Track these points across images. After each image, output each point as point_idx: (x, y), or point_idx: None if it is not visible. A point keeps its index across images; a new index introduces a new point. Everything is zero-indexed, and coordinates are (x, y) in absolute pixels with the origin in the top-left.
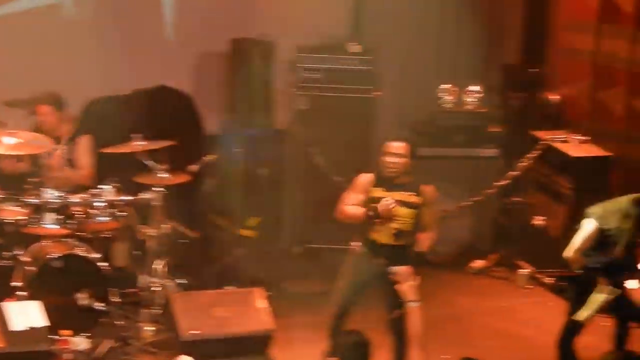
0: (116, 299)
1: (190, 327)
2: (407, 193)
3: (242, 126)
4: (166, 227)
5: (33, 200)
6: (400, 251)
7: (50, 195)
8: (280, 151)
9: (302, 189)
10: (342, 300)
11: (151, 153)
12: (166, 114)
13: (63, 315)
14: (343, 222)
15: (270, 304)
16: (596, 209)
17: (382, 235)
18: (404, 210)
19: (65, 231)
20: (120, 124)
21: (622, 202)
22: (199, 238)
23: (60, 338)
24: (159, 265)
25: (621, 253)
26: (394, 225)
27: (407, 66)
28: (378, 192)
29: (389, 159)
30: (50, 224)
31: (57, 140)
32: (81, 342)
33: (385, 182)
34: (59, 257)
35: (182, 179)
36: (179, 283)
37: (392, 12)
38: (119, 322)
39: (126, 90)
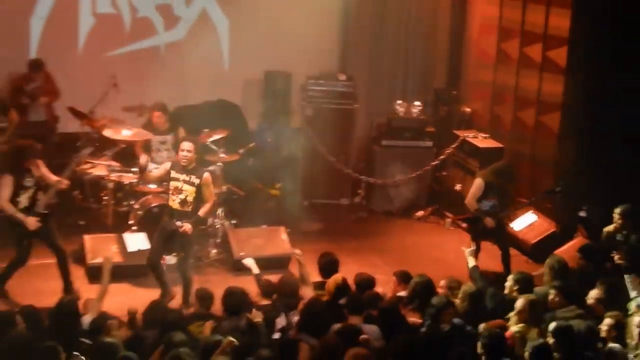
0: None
1: (240, 250)
2: (191, 176)
3: (271, 126)
4: (224, 188)
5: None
6: (186, 214)
7: (152, 166)
8: (295, 141)
9: (308, 164)
10: (153, 249)
11: (215, 142)
12: (224, 117)
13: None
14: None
15: (289, 237)
16: (482, 170)
17: (174, 204)
18: (187, 187)
19: (161, 189)
20: (194, 123)
21: (498, 164)
22: (245, 195)
23: None
24: (220, 211)
25: (499, 198)
26: (181, 196)
27: (374, 88)
28: (174, 173)
29: (181, 153)
30: (152, 185)
31: (161, 132)
32: (171, 259)
33: (180, 168)
34: (157, 205)
35: (233, 158)
36: (232, 223)
37: (364, 53)
38: (195, 247)
39: (198, 101)
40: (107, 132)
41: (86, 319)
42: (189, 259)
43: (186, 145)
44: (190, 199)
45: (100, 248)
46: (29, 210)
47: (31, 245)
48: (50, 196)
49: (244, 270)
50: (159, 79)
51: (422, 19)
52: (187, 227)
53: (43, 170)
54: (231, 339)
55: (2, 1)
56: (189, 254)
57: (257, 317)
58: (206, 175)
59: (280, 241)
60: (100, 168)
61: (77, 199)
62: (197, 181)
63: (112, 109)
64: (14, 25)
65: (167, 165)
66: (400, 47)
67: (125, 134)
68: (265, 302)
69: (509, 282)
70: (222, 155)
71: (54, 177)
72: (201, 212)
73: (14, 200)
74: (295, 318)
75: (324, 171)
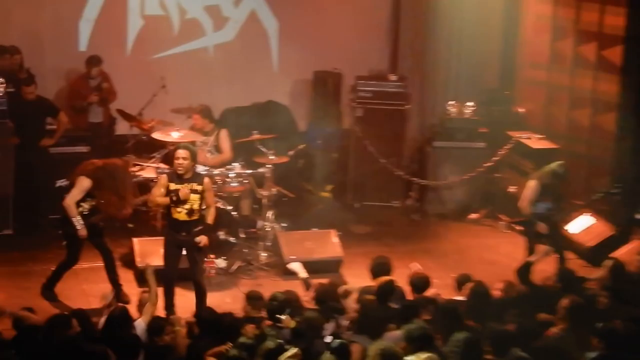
0: (243, 235)
1: (290, 253)
2: (193, 183)
3: (321, 126)
4: (274, 190)
5: None
6: (194, 224)
7: (200, 168)
8: (345, 142)
9: (359, 166)
10: (167, 270)
11: (264, 143)
12: (273, 118)
13: (209, 245)
14: (155, 208)
15: (340, 240)
16: (536, 172)
17: (181, 215)
18: (192, 196)
19: None
20: (244, 124)
21: (552, 165)
22: (295, 197)
23: (207, 260)
24: (270, 214)
25: (554, 200)
26: (187, 206)
27: (426, 89)
28: (173, 185)
29: (177, 162)
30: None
31: (206, 134)
32: (221, 262)
33: (178, 177)
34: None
35: (283, 160)
36: (283, 226)
37: (416, 53)
38: (244, 250)
39: (247, 102)
40: (156, 134)
41: (139, 324)
42: (203, 267)
43: (181, 153)
44: (196, 207)
45: (149, 251)
46: (85, 217)
47: (81, 247)
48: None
49: (295, 273)
50: (208, 81)
51: (474, 18)
52: (205, 240)
53: None
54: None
55: (51, 4)
56: (203, 263)
57: (289, 323)
58: (207, 180)
59: (331, 244)
60: (148, 170)
61: None
62: (199, 188)
63: (160, 111)
64: (63, 28)
65: (163, 179)
66: (453, 47)
67: (175, 135)
68: (313, 305)
69: (554, 279)
70: (271, 157)
71: None
72: (210, 220)
73: (77, 204)
74: (345, 322)
75: (375, 173)
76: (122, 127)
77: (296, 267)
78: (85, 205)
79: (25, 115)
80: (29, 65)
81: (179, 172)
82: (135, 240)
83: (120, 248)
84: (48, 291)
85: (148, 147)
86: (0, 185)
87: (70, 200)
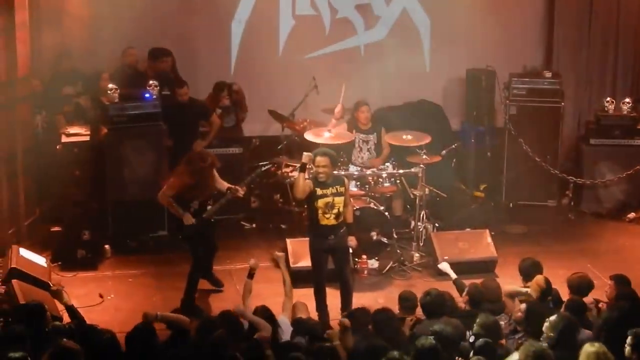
0: (395, 236)
1: (443, 254)
2: (336, 187)
3: (474, 125)
4: (426, 190)
5: (342, 173)
6: (341, 226)
7: (353, 169)
8: (499, 141)
9: (513, 165)
10: (318, 276)
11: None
12: (425, 117)
13: (362, 246)
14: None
15: (494, 240)
16: None
17: (329, 220)
18: (338, 199)
19: (362, 192)
20: (395, 124)
21: None
22: (447, 197)
23: (360, 260)
24: (422, 214)
25: None
26: (334, 210)
27: (582, 85)
28: (319, 191)
29: (317, 169)
30: (353, 187)
31: (365, 132)
32: (373, 263)
33: (321, 184)
34: (359, 208)
35: (436, 159)
36: (435, 226)
37: (571, 48)
38: (397, 251)
39: (399, 102)
40: (308, 135)
41: (283, 320)
42: (350, 267)
43: (321, 160)
44: (341, 209)
45: (303, 252)
46: (195, 215)
47: (204, 247)
48: (220, 205)
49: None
50: (359, 80)
51: (632, 11)
52: (354, 240)
53: (216, 179)
54: None
55: (204, 6)
56: (350, 261)
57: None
58: (346, 180)
59: (484, 244)
60: None
61: (279, 202)
62: (342, 189)
63: (312, 111)
64: (215, 30)
65: (308, 182)
66: (610, 42)
67: (326, 135)
68: (469, 306)
69: None
70: (424, 156)
71: (226, 185)
72: (350, 219)
73: (187, 204)
74: (501, 323)
75: (529, 172)
76: (275, 128)
77: (445, 267)
78: (194, 205)
79: (178, 117)
80: (181, 67)
81: (321, 179)
82: (288, 241)
83: (274, 249)
84: (189, 306)
85: (300, 148)
86: (155, 186)
87: (163, 193)
